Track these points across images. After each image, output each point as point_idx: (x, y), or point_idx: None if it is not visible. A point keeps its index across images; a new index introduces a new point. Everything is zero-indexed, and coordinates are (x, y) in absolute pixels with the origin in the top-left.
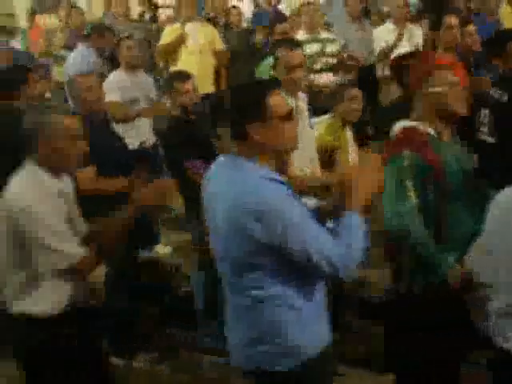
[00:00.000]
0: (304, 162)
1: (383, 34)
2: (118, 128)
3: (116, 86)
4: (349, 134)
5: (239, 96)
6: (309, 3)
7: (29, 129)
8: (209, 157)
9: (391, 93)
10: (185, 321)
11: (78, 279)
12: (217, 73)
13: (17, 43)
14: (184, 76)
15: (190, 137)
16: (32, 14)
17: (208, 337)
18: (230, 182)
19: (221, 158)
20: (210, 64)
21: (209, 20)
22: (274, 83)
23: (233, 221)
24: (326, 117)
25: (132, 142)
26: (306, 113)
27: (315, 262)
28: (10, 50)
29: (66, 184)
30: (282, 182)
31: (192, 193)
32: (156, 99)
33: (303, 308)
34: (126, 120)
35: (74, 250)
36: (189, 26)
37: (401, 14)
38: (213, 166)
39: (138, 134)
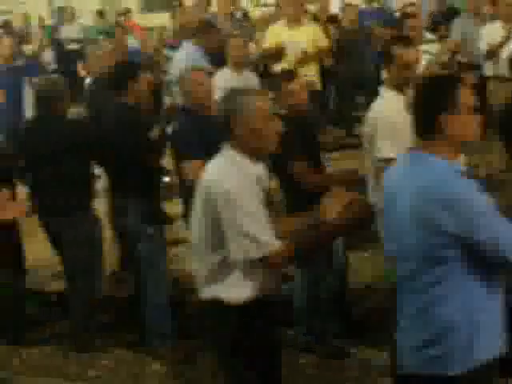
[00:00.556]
0: None
1: (491, 32)
2: None
3: (223, 85)
4: None
5: (430, 88)
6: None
7: (225, 115)
8: (314, 157)
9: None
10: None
11: (270, 269)
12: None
13: (131, 40)
14: (291, 75)
15: (301, 137)
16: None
17: (307, 335)
18: (415, 176)
19: (401, 156)
20: (314, 63)
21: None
22: (458, 77)
23: (420, 213)
24: None
25: None
26: None
27: (503, 255)
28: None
29: (262, 170)
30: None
31: (299, 194)
32: None
33: (481, 310)
34: None
35: (270, 240)
36: (292, 26)
37: (509, 12)
38: (394, 166)
39: None
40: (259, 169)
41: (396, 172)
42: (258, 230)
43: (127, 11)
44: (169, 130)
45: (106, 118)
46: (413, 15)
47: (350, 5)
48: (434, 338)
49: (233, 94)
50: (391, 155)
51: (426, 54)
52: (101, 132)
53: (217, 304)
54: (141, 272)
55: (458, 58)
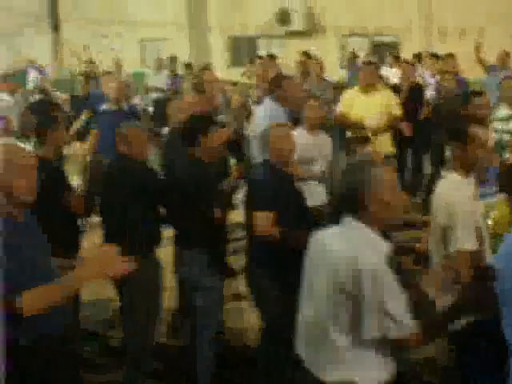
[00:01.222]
0: None
1: None
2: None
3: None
4: None
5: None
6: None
7: (352, 187)
8: None
9: None
10: None
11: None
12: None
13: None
14: (364, 140)
15: None
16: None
17: None
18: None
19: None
20: (387, 128)
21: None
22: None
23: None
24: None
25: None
26: None
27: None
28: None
29: (388, 246)
30: None
31: None
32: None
33: None
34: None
35: (407, 320)
36: (365, 92)
37: None
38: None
39: (310, 195)
40: (387, 245)
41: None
42: (400, 311)
43: (206, 67)
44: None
45: (176, 170)
46: (480, 93)
47: (446, 72)
48: None
49: (359, 166)
50: (471, 246)
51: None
52: (171, 182)
53: None
54: (195, 322)
55: None
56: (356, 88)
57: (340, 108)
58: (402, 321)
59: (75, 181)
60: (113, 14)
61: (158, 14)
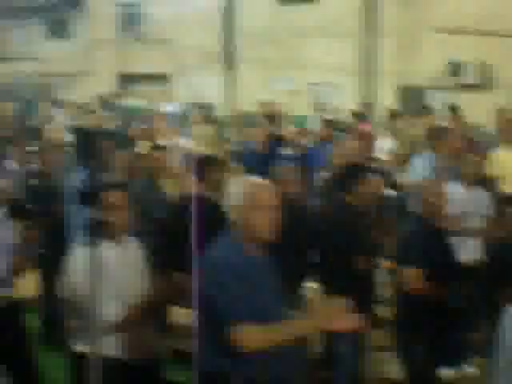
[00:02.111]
0: None
1: None
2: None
3: (453, 199)
4: None
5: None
6: None
7: None
8: None
9: None
10: None
11: None
12: None
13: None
14: None
15: None
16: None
17: None
18: None
19: None
20: None
21: None
22: None
23: None
24: None
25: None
26: None
27: None
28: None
29: None
30: None
31: None
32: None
33: None
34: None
35: None
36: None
37: None
38: None
39: (466, 249)
40: None
41: None
42: None
43: (360, 113)
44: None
45: (328, 216)
46: None
47: None
48: None
49: None
50: None
51: None
52: (322, 228)
53: None
54: (336, 369)
55: None
56: (502, 147)
57: (491, 171)
58: None
59: None
60: (287, 56)
61: (330, 58)
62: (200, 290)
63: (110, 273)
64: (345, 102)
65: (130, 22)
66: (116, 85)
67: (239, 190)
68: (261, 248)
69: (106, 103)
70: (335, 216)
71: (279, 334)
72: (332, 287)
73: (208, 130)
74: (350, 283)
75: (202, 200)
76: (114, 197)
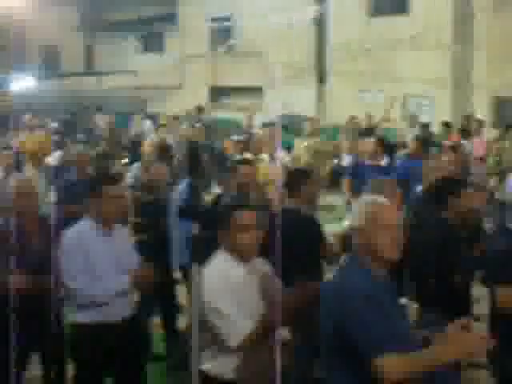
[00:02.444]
0: None
1: None
2: None
3: None
4: None
5: None
6: None
7: None
8: None
9: None
10: None
11: None
12: None
13: None
14: None
15: None
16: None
17: None
18: None
19: None
20: None
21: None
22: None
23: None
24: None
25: None
26: None
27: None
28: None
29: None
30: None
31: None
32: None
33: None
34: None
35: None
36: None
37: None
38: None
39: None
40: None
41: None
42: None
43: (448, 125)
44: None
45: (424, 232)
46: None
47: None
48: None
49: None
50: None
51: None
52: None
53: None
54: None
55: None
56: None
57: None
58: None
59: None
60: (377, 68)
61: (421, 70)
62: (312, 313)
63: (239, 292)
64: (437, 114)
65: (221, 35)
66: (207, 98)
67: (362, 212)
68: (387, 273)
69: (196, 116)
70: (436, 231)
71: (421, 361)
72: (430, 304)
73: (315, 143)
74: (450, 300)
75: (297, 213)
76: (245, 217)
